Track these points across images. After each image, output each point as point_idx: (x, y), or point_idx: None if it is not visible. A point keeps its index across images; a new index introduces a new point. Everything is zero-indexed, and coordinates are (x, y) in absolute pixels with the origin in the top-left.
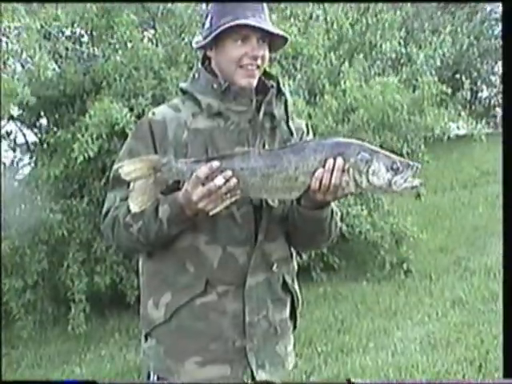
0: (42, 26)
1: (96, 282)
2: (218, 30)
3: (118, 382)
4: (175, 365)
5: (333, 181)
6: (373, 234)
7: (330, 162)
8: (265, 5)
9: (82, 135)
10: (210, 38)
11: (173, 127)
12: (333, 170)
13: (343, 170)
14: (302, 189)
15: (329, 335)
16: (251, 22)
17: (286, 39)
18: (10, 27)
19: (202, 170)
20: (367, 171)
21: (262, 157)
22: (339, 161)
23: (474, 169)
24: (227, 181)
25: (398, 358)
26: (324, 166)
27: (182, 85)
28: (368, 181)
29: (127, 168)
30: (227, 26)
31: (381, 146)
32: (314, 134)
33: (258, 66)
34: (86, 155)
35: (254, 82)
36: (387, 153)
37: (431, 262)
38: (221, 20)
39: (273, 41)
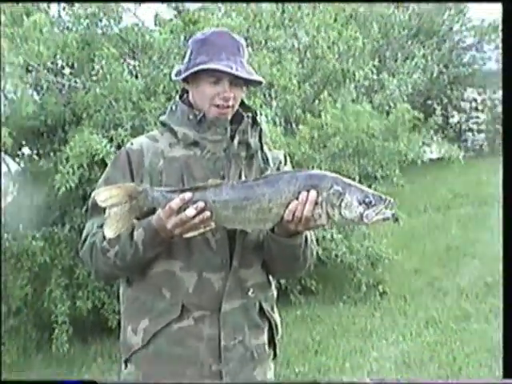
0: (24, 61)
1: (78, 307)
2: (192, 70)
3: (119, 382)
4: None
5: (305, 213)
6: (349, 256)
7: (304, 194)
8: (244, 44)
9: (64, 166)
10: (184, 75)
11: (149, 156)
12: (306, 203)
13: (316, 203)
14: (275, 220)
15: (306, 356)
16: (222, 67)
17: (261, 81)
18: None
19: (175, 202)
20: (340, 205)
21: (234, 189)
22: (312, 194)
23: (446, 191)
24: (200, 212)
25: (374, 377)
26: (297, 199)
27: (161, 118)
28: (340, 214)
29: (104, 194)
30: (200, 68)
31: (359, 174)
32: (292, 163)
33: (229, 106)
34: (67, 186)
35: (228, 117)
36: (360, 186)
37: (406, 284)
38: (198, 58)
39: (247, 80)
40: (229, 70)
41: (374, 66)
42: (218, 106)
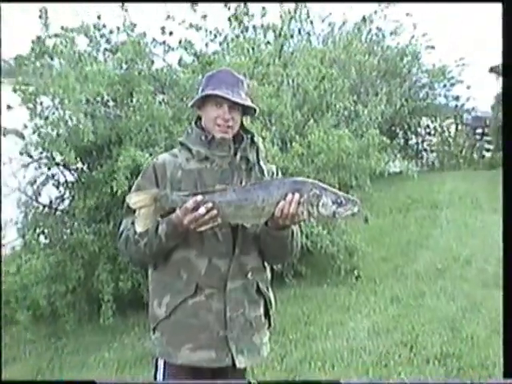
0: (86, 99)
1: (120, 287)
2: (199, 96)
3: (116, 382)
4: (174, 351)
5: (291, 210)
6: (331, 248)
7: (289, 196)
8: (243, 80)
9: (118, 175)
10: (194, 100)
11: (170, 168)
12: (291, 203)
13: (299, 203)
14: (267, 216)
15: (298, 326)
16: (221, 93)
17: (254, 107)
18: (56, 96)
19: (190, 203)
20: (317, 204)
21: (236, 192)
22: (296, 195)
23: (406, 198)
24: (209, 211)
25: (351, 342)
26: (285, 199)
27: (180, 139)
28: (318, 211)
29: (134, 199)
30: (205, 93)
31: (339, 183)
32: (284, 174)
33: (229, 126)
34: (121, 189)
35: (230, 135)
36: (334, 190)
37: (375, 269)
38: (205, 89)
39: (246, 108)
40: (226, 95)
41: (354, 100)
42: (219, 125)
